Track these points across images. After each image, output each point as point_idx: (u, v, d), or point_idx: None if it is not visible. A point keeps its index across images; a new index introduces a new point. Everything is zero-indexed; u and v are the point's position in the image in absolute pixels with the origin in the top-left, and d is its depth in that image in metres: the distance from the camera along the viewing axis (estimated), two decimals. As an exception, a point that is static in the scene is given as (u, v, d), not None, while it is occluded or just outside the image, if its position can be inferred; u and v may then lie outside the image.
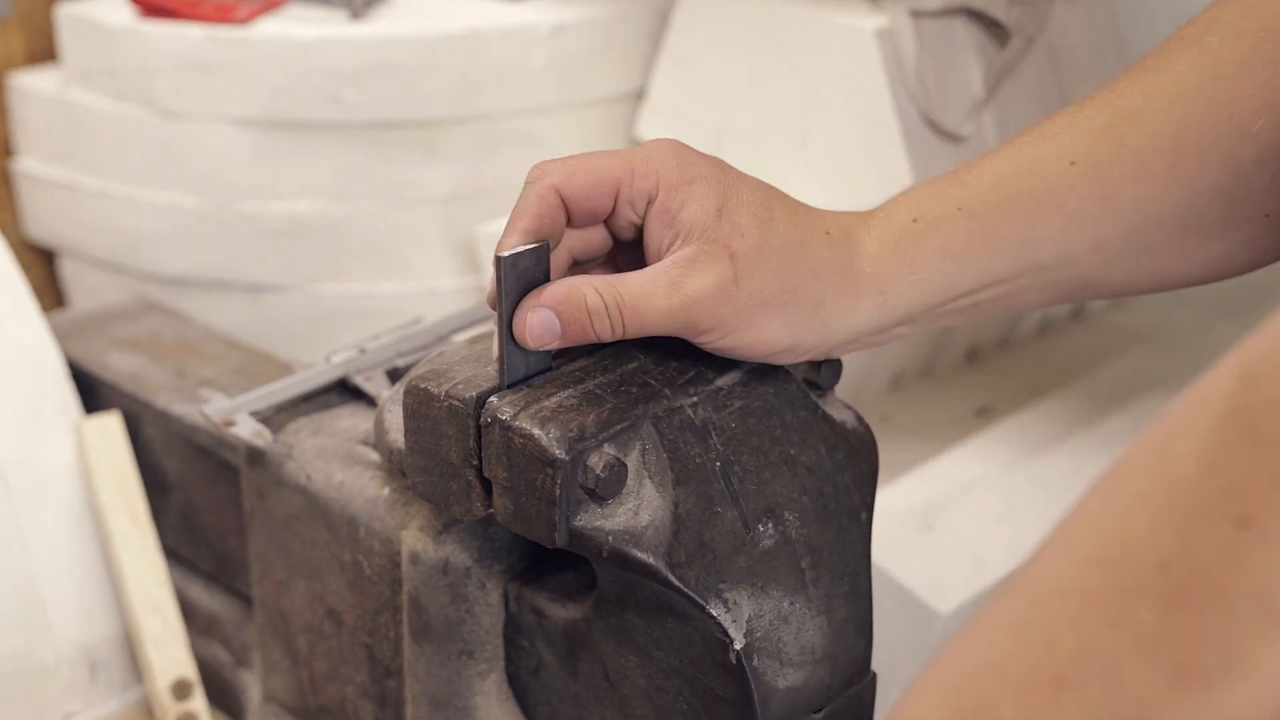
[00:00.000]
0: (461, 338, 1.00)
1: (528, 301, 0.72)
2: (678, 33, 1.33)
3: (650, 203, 0.73)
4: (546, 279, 0.72)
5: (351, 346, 0.98)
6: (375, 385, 0.96)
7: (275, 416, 0.94)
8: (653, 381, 0.73)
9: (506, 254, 0.69)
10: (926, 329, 0.79)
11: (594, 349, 0.76)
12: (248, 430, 0.92)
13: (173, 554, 1.09)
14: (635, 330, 0.72)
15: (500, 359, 0.72)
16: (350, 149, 1.30)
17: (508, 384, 0.72)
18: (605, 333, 0.72)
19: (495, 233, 1.26)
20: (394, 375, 0.97)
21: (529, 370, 0.73)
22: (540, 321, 0.72)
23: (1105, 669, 0.45)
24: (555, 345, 0.72)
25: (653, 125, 1.36)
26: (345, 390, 0.97)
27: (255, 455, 0.92)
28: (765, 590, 0.72)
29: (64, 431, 1.05)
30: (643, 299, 0.71)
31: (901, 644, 1.07)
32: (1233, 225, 0.75)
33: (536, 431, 0.69)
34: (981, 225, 0.74)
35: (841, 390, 0.83)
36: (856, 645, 0.77)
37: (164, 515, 1.09)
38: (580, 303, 0.71)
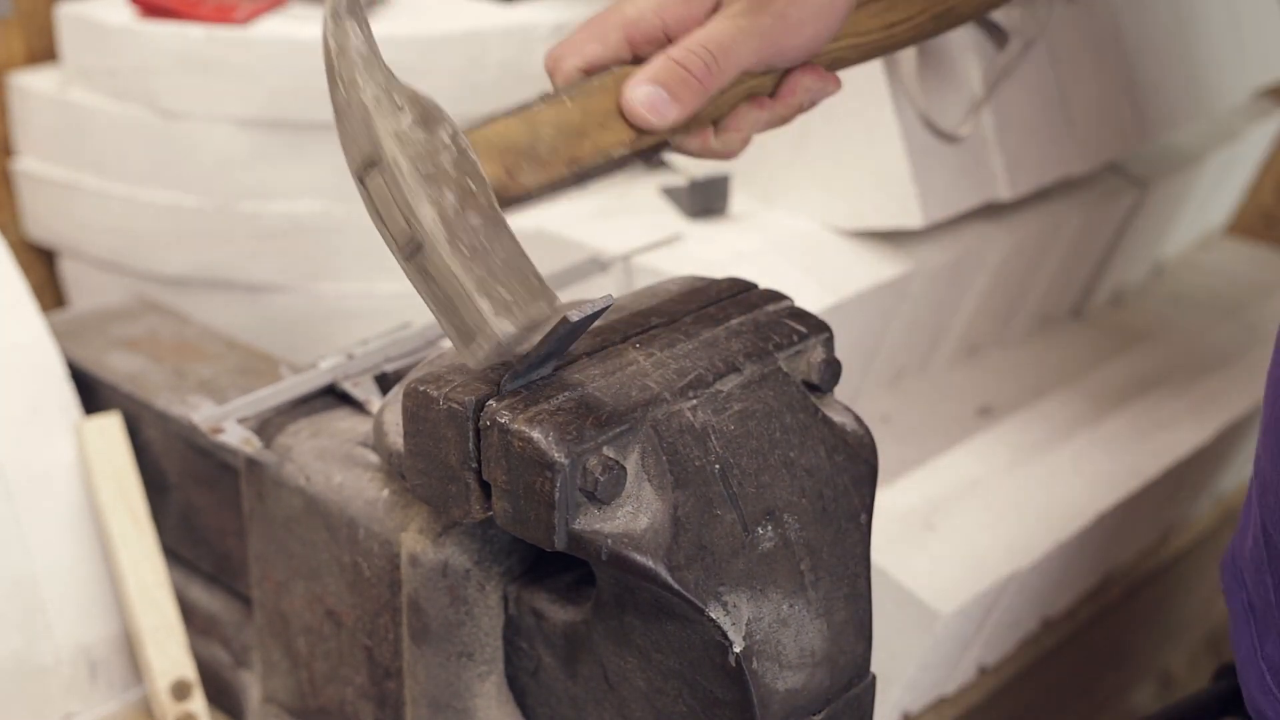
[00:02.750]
0: (450, 342, 1.00)
1: (631, 84, 0.75)
2: (678, 32, 1.33)
3: None
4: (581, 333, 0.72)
5: (340, 352, 0.98)
6: (363, 390, 0.96)
7: (274, 419, 0.94)
8: (652, 384, 0.73)
9: (576, 318, 0.68)
10: None
11: (592, 351, 0.76)
12: (236, 437, 0.92)
13: (173, 554, 1.09)
14: (731, 68, 0.76)
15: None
16: (350, 149, 1.30)
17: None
18: (709, 80, 0.75)
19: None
20: (382, 380, 0.97)
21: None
22: (647, 95, 0.75)
23: None
24: (672, 116, 0.75)
25: (653, 125, 1.36)
26: (334, 395, 0.97)
27: (255, 457, 0.92)
28: (765, 593, 0.73)
29: (64, 431, 1.05)
30: (729, 34, 0.76)
31: (902, 644, 1.08)
32: None
33: (535, 434, 0.69)
34: None
35: (841, 390, 0.83)
36: (856, 647, 0.77)
37: (164, 515, 1.09)
38: (673, 65, 0.75)
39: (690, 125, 0.77)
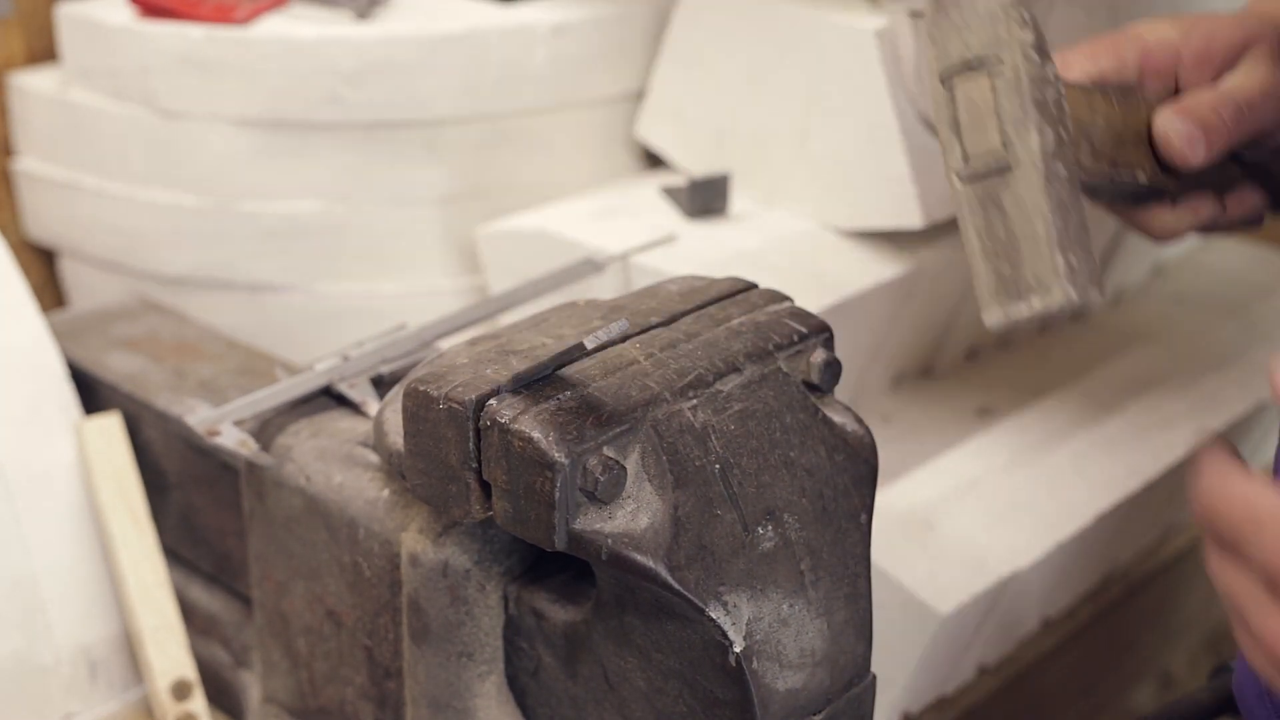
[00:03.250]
0: (446, 343, 1.00)
1: (1168, 114, 0.74)
2: (678, 33, 1.33)
3: None
4: None
5: (335, 354, 0.98)
6: (359, 392, 0.96)
7: (274, 419, 0.94)
8: (652, 384, 0.73)
9: (592, 344, 0.69)
10: None
11: (592, 353, 0.76)
12: (232, 440, 0.91)
13: (173, 554, 1.09)
14: (1256, 124, 0.77)
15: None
16: (350, 149, 1.30)
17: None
18: (1235, 131, 0.76)
19: (495, 233, 1.26)
20: (378, 382, 0.97)
21: None
22: (1183, 129, 0.75)
23: None
24: (1199, 156, 0.74)
25: (653, 125, 1.36)
26: (330, 397, 0.97)
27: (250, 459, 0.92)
28: (765, 593, 0.73)
29: (64, 431, 1.05)
30: (1260, 88, 0.77)
31: (902, 644, 1.08)
32: None
33: (535, 434, 0.69)
34: None
35: (841, 391, 0.83)
36: (856, 647, 0.77)
37: (164, 515, 1.09)
38: (1209, 107, 0.75)
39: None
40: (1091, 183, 0.72)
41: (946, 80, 0.65)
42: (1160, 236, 0.82)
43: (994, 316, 0.62)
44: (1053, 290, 0.60)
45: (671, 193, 1.27)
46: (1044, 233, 0.61)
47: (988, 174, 0.63)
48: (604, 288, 1.14)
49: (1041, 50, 0.66)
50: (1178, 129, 0.75)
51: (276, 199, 1.32)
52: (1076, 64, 0.79)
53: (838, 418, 0.79)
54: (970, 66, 0.64)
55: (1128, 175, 0.74)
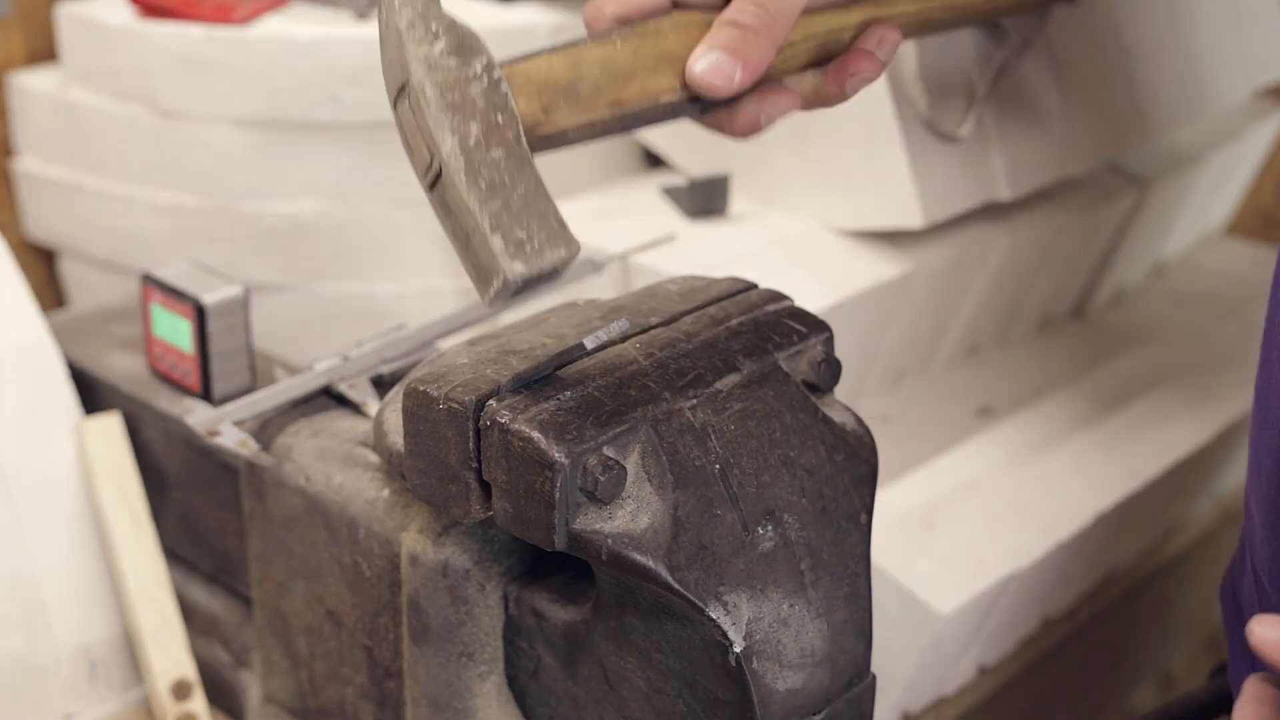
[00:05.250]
0: (446, 343, 1.00)
1: (691, 59, 0.72)
2: (678, 32, 1.33)
3: None
4: None
5: (335, 354, 0.98)
6: (359, 392, 0.96)
7: (274, 419, 0.94)
8: (652, 384, 0.73)
9: (591, 345, 0.70)
10: None
11: (592, 353, 0.76)
12: (232, 440, 0.91)
13: (173, 554, 1.09)
14: (789, 9, 0.73)
15: None
16: (350, 149, 1.30)
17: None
18: (768, 29, 0.73)
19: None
20: (378, 382, 0.97)
21: None
22: (708, 63, 0.72)
23: None
24: (738, 76, 0.72)
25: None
26: (330, 397, 0.96)
27: (250, 459, 0.92)
28: (765, 593, 0.72)
29: (64, 432, 1.05)
30: None
31: (902, 644, 1.08)
32: None
33: (535, 434, 0.69)
34: None
35: (841, 391, 0.83)
36: (856, 647, 0.77)
37: (164, 515, 1.09)
38: (726, 26, 0.72)
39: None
40: (604, 121, 0.72)
41: (393, 106, 0.70)
42: (740, 134, 0.78)
43: (485, 301, 0.68)
44: (499, 272, 0.65)
45: (671, 193, 1.27)
46: (478, 224, 0.66)
47: (433, 184, 0.68)
48: (604, 288, 1.14)
49: (461, 50, 0.69)
50: (700, 68, 0.72)
51: (276, 199, 1.32)
52: (607, 7, 0.75)
53: (838, 417, 0.79)
54: (400, 89, 0.69)
55: (648, 104, 0.73)
